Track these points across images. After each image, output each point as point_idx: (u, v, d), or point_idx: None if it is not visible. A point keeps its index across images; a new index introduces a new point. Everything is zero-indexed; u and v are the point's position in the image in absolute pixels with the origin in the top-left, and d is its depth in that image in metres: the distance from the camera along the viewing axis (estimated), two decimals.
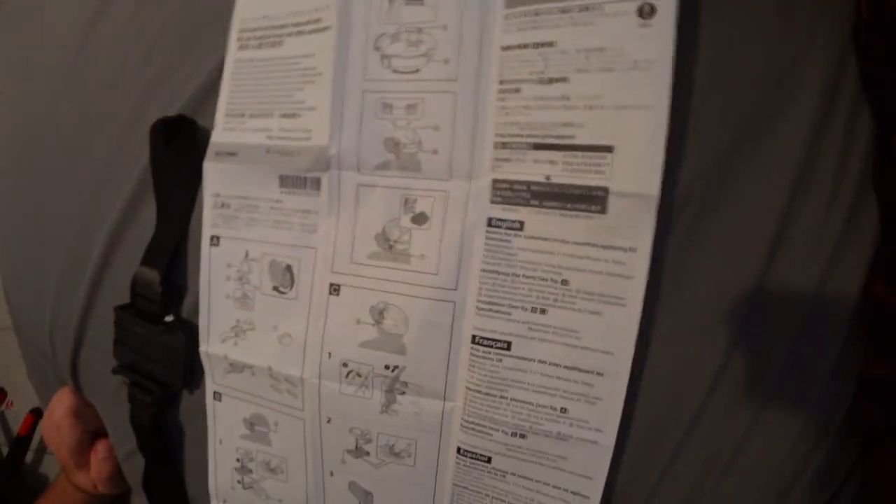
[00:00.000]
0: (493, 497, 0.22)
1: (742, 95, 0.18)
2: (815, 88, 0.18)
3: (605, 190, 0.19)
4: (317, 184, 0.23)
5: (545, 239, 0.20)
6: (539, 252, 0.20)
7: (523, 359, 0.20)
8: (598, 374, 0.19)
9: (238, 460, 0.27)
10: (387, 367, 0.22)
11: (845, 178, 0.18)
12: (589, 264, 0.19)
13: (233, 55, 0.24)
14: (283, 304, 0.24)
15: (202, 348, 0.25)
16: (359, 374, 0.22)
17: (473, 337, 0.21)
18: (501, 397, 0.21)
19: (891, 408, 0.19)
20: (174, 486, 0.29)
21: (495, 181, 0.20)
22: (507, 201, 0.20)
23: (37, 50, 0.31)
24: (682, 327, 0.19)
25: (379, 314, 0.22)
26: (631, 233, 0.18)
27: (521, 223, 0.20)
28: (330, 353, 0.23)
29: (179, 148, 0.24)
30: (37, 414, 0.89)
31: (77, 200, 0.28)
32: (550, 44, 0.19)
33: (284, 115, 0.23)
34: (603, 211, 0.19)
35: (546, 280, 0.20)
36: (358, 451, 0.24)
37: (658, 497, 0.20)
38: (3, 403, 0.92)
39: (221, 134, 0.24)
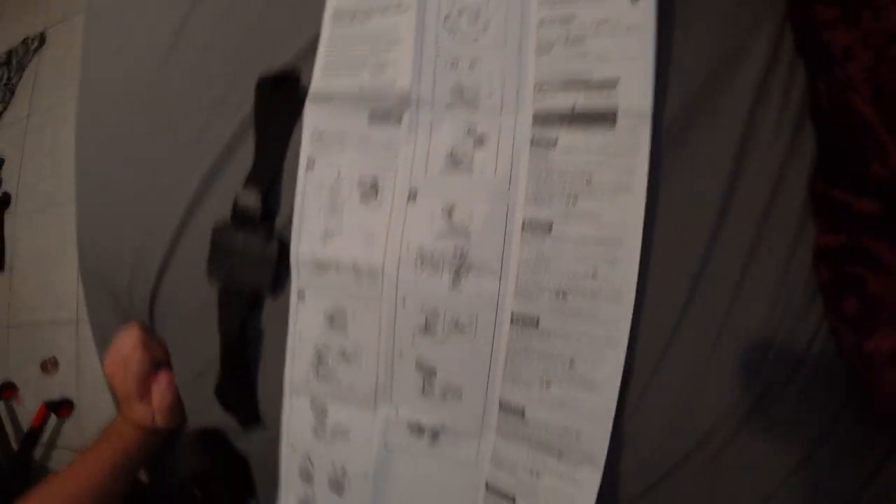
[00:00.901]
0: (540, 357, 0.27)
1: (706, 51, 0.26)
2: (763, 45, 0.26)
3: (615, 112, 0.26)
4: (399, 118, 0.29)
5: (573, 150, 0.27)
6: (569, 159, 0.27)
7: (562, 237, 0.26)
8: (617, 242, 0.26)
9: (315, 353, 0.30)
10: (455, 252, 0.28)
11: (788, 109, 0.26)
12: (605, 164, 0.26)
13: (328, 29, 0.31)
14: (367, 211, 0.29)
15: (293, 252, 0.30)
16: (432, 260, 0.28)
17: (523, 223, 0.27)
18: (546, 268, 0.27)
19: (835, 266, 0.25)
20: (247, 390, 0.32)
21: (536, 113, 0.27)
22: (545, 125, 0.27)
23: (135, 35, 0.37)
24: (674, 210, 0.26)
25: (448, 212, 0.28)
26: (633, 141, 0.26)
27: (556, 139, 0.27)
28: (408, 245, 0.28)
29: (281, 95, 0.31)
30: (50, 407, 0.84)
31: (174, 151, 0.33)
32: (572, 16, 0.27)
33: (374, 70, 0.30)
34: (613, 126, 0.26)
35: (575, 178, 0.27)
36: (427, 329, 0.28)
37: (680, 335, 0.26)
38: (13, 398, 0.86)
39: (319, 83, 0.30)
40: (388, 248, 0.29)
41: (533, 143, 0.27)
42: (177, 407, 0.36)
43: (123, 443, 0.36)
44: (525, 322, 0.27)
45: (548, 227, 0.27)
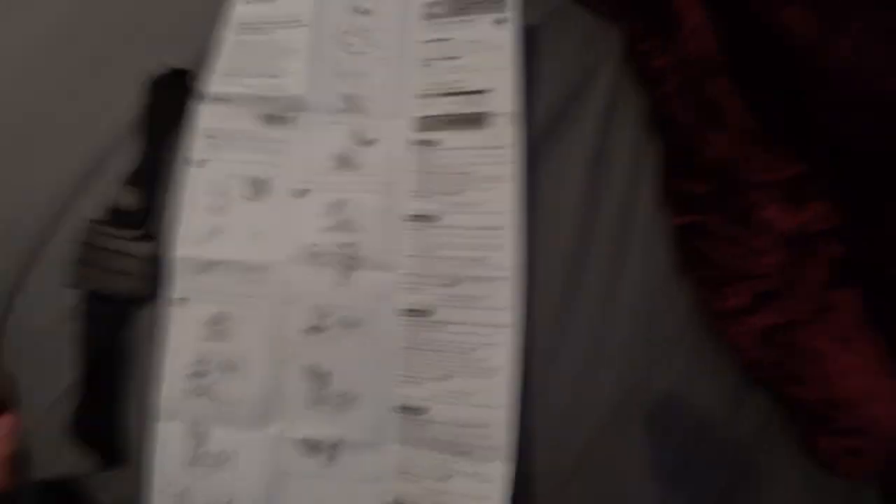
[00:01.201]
0: (436, 350, 0.27)
1: (566, 69, 0.31)
2: (611, 67, 0.31)
3: (487, 114, 0.29)
4: (293, 121, 0.30)
5: (454, 148, 0.29)
6: (451, 156, 0.29)
7: (448, 226, 0.27)
8: (499, 228, 0.27)
9: (193, 365, 0.27)
10: (343, 246, 0.27)
11: (634, 119, 0.31)
12: (481, 158, 0.28)
13: (232, 35, 0.31)
14: (256, 208, 0.28)
15: (176, 253, 0.28)
16: (321, 255, 0.27)
17: (411, 216, 0.28)
18: (434, 257, 0.27)
19: (685, 242, 0.29)
20: (110, 418, 0.28)
21: (419, 117, 0.30)
22: (428, 128, 0.29)
23: (24, 18, 0.34)
24: (547, 198, 0.29)
25: (338, 208, 0.28)
26: (503, 136, 0.28)
27: (439, 140, 0.29)
28: (296, 241, 0.27)
29: (173, 95, 0.30)
30: None
31: (50, 147, 0.30)
32: (449, 38, 0.30)
33: (272, 77, 0.30)
34: (485, 126, 0.29)
35: (456, 172, 0.28)
36: (317, 329, 0.27)
37: (570, 314, 0.27)
38: None
39: (217, 85, 0.30)
40: (277, 245, 0.27)
41: (417, 143, 0.29)
42: (16, 461, 0.29)
43: None
44: (419, 314, 0.27)
45: (434, 219, 0.28)
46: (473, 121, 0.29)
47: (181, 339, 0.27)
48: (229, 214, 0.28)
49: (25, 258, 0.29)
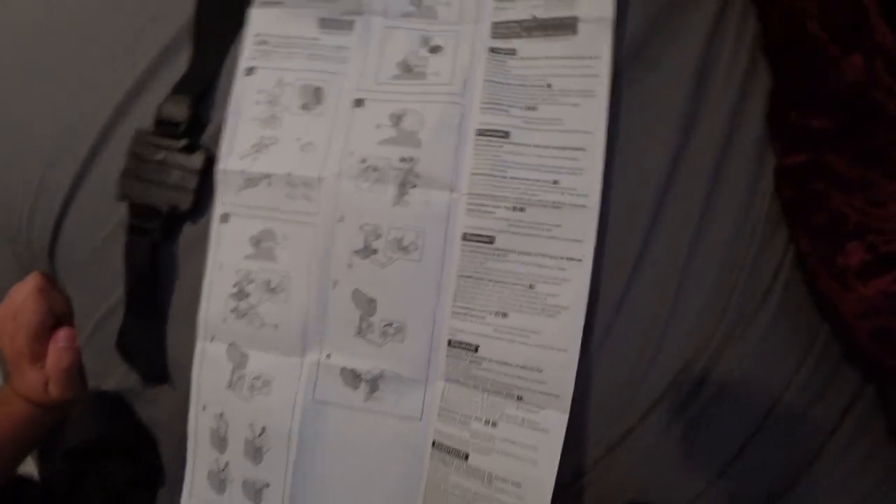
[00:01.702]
0: (495, 281, 0.23)
1: None
2: None
3: (575, 18, 0.24)
4: (351, 25, 0.26)
5: (533, 58, 0.24)
6: (528, 67, 0.24)
7: (520, 144, 0.23)
8: (581, 149, 0.23)
9: (236, 285, 0.25)
10: (402, 160, 0.24)
11: (743, 40, 0.25)
12: (567, 70, 0.24)
13: None
14: (309, 118, 0.25)
15: (220, 166, 0.26)
16: (376, 169, 0.24)
17: (478, 130, 0.24)
18: (503, 177, 0.23)
19: (800, 184, 0.23)
20: (155, 336, 0.26)
21: (495, 23, 0.25)
22: (504, 35, 0.25)
23: None
24: (638, 122, 0.24)
25: (398, 119, 0.24)
26: (595, 45, 0.24)
27: (515, 50, 0.25)
28: (351, 153, 0.24)
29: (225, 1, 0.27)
30: None
31: (98, 62, 0.29)
32: None
33: None
34: (574, 33, 0.24)
35: (535, 85, 0.24)
36: (366, 251, 0.24)
37: (648, 255, 0.22)
38: None
39: None
40: (329, 157, 0.25)
41: (492, 51, 0.25)
42: (76, 374, 0.29)
43: (10, 418, 0.29)
44: (479, 240, 0.23)
45: (505, 135, 0.24)
46: (558, 27, 0.24)
47: (224, 256, 0.25)
48: (279, 126, 0.26)
49: (79, 170, 0.28)
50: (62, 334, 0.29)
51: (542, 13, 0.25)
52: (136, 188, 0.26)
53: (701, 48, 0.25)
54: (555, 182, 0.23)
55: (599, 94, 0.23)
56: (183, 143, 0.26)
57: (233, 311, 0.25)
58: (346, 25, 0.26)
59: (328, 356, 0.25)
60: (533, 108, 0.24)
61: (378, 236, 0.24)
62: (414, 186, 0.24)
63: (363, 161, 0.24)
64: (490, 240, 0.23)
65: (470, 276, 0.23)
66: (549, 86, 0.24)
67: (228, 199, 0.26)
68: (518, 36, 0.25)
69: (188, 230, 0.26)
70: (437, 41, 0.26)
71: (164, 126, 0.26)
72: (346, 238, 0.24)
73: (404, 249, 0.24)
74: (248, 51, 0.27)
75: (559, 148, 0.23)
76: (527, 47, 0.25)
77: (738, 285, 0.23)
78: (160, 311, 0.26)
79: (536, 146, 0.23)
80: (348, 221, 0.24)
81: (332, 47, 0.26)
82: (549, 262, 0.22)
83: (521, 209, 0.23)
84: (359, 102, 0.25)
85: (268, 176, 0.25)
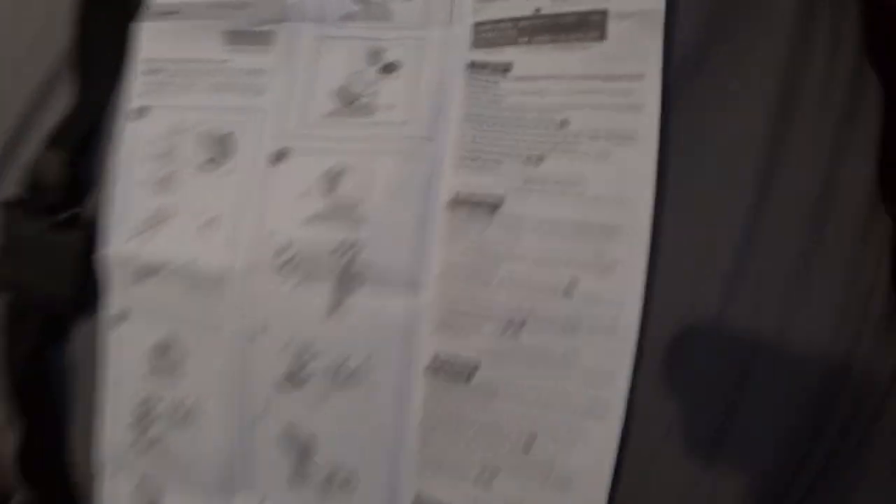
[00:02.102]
0: (478, 429, 0.15)
1: None
2: None
3: (603, 13, 0.15)
4: (269, 38, 0.18)
5: (536, 78, 0.15)
6: (530, 93, 0.15)
7: (517, 220, 0.15)
8: (613, 227, 0.14)
9: (137, 408, 0.19)
10: (339, 248, 0.16)
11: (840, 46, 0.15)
12: (590, 99, 0.15)
13: None
14: (214, 181, 0.18)
15: (106, 250, 0.19)
16: (300, 263, 0.16)
17: (454, 198, 0.15)
18: (490, 274, 0.15)
19: None
20: (53, 456, 0.20)
21: (477, 24, 0.16)
22: (490, 43, 0.16)
23: None
24: (702, 169, 0.14)
25: (333, 180, 0.16)
26: (636, 57, 0.14)
27: (509, 65, 0.16)
28: (267, 234, 0.16)
29: (110, 13, 0.20)
30: None
31: None
32: None
33: None
34: (602, 37, 0.15)
35: (541, 123, 0.15)
36: (296, 377, 0.16)
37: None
38: None
39: None
40: (239, 242, 0.17)
41: (473, 68, 0.16)
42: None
43: None
44: (453, 371, 0.15)
45: (493, 206, 0.15)
46: (576, 27, 0.15)
47: (122, 369, 0.19)
48: (176, 191, 0.18)
49: None
50: None
51: (550, 6, 0.15)
52: (9, 274, 0.20)
53: (785, 56, 0.15)
54: (570, 284, 0.14)
55: (644, 137, 0.14)
56: (54, 220, 0.19)
57: (135, 442, 0.19)
58: (264, 39, 0.18)
59: (262, 502, 0.18)
60: (538, 160, 0.15)
61: (311, 358, 0.16)
62: (357, 286, 0.16)
63: (285, 248, 0.16)
64: (470, 372, 0.15)
65: (441, 419, 0.15)
66: (563, 123, 0.15)
67: (121, 293, 0.19)
68: (513, 43, 0.16)
69: (79, 331, 0.20)
70: (391, 55, 0.17)
71: (37, 192, 0.19)
72: (267, 358, 0.17)
73: (348, 379, 0.16)
74: (136, 84, 0.19)
75: (578, 226, 0.14)
76: (527, 61, 0.15)
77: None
78: (59, 427, 0.20)
79: (543, 223, 0.15)
80: (270, 335, 0.17)
81: (246, 72, 0.18)
82: (556, 413, 0.14)
83: (518, 327, 0.15)
84: (279, 155, 0.17)
85: (164, 266, 0.18)
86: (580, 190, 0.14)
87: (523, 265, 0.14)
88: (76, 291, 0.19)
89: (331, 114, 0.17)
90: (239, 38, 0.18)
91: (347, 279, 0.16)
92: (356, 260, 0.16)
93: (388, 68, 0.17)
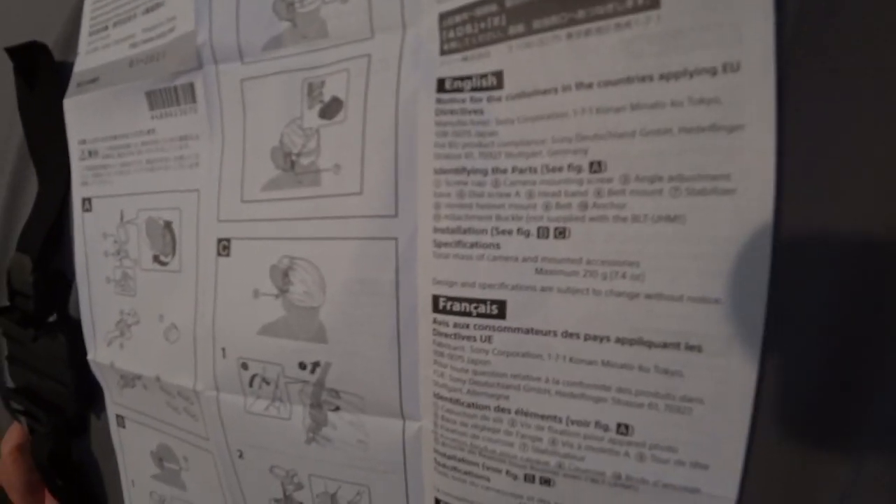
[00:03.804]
0: None
1: None
2: None
3: None
4: (191, 92, 0.13)
5: (545, 92, 0.09)
6: (539, 119, 0.09)
7: (532, 332, 0.09)
8: (690, 347, 0.08)
9: None
10: (303, 366, 0.12)
11: None
12: (642, 119, 0.08)
13: None
14: (166, 280, 0.14)
15: (90, 356, 0.16)
16: (266, 381, 0.12)
17: (435, 300, 0.10)
18: (498, 409, 0.10)
19: None
20: None
21: (444, 15, 0.10)
22: (467, 44, 0.10)
23: None
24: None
25: (283, 277, 0.12)
26: (723, 34, 0.07)
27: (499, 75, 0.09)
28: (224, 349, 0.13)
29: (44, 88, 0.16)
30: None
31: None
32: None
33: (147, 10, 0.14)
34: (654, 3, 0.08)
35: (560, 170, 0.09)
36: (289, 502, 0.13)
37: None
38: None
39: (84, 59, 0.15)
40: (199, 354, 0.13)
41: (444, 89, 0.10)
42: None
43: None
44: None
45: (496, 309, 0.10)
46: None
47: (133, 471, 0.17)
48: (134, 292, 0.15)
49: None
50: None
51: None
52: (23, 378, 0.19)
53: None
54: (621, 428, 0.09)
55: (748, 179, 0.08)
56: (36, 331, 0.17)
57: None
58: (185, 96, 0.13)
59: None
60: (559, 234, 0.09)
61: (298, 487, 0.13)
62: (335, 409, 0.12)
63: (244, 366, 0.13)
64: None
65: None
66: (595, 166, 0.09)
67: (115, 397, 0.17)
68: (503, 37, 0.09)
69: (96, 427, 0.18)
70: (331, 88, 0.11)
71: (18, 299, 0.17)
72: (254, 481, 0.14)
73: None
74: (76, 171, 0.16)
75: (630, 342, 0.09)
76: (527, 65, 0.09)
77: None
78: None
79: (570, 335, 0.09)
80: (250, 459, 0.13)
81: (175, 141, 0.14)
82: None
83: (546, 482, 0.09)
84: (223, 247, 0.13)
85: (139, 377, 0.15)
86: (632, 281, 0.08)
87: (545, 398, 0.09)
88: (78, 391, 0.17)
89: (270, 184, 0.12)
90: (160, 98, 0.14)
91: (320, 403, 0.12)
92: (325, 382, 0.12)
93: (329, 110, 0.11)
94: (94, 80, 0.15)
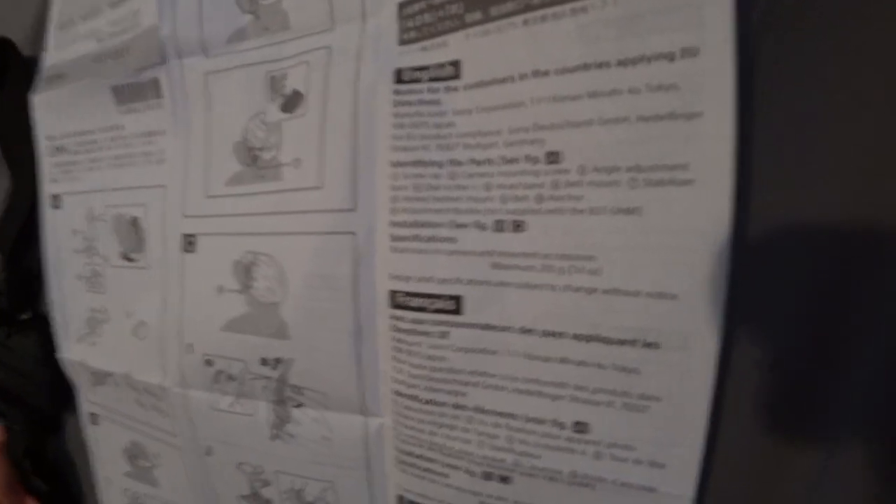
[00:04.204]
0: None
1: None
2: None
3: None
4: (156, 87, 0.13)
5: (502, 81, 0.09)
6: (496, 109, 0.09)
7: (488, 328, 0.09)
8: (648, 344, 0.08)
9: (131, 502, 0.17)
10: (265, 363, 0.11)
11: None
12: (599, 108, 0.08)
13: None
14: (134, 276, 0.14)
15: (62, 354, 0.16)
16: (231, 377, 0.12)
17: (392, 295, 0.10)
18: (456, 406, 0.09)
19: None
20: None
21: (403, 4, 0.10)
22: (426, 33, 0.09)
23: None
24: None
25: (246, 273, 0.11)
26: (681, 18, 0.07)
27: (456, 64, 0.09)
28: (190, 345, 0.12)
29: (12, 84, 0.16)
30: None
31: None
32: None
33: (113, 4, 0.14)
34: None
35: (517, 161, 0.09)
36: (256, 499, 0.13)
37: None
38: None
39: (51, 54, 0.15)
40: (167, 351, 0.13)
41: (402, 80, 0.10)
42: None
43: None
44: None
45: (452, 305, 0.09)
46: None
47: (107, 467, 0.17)
48: (104, 290, 0.14)
49: None
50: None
51: None
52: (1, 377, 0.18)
53: None
54: (577, 426, 0.08)
55: (705, 171, 0.07)
56: (8, 329, 0.16)
57: None
58: (151, 91, 0.13)
59: None
60: (516, 226, 0.09)
61: (264, 484, 0.13)
62: (298, 406, 0.11)
63: (208, 362, 0.12)
64: None
65: None
66: (551, 157, 0.08)
67: (88, 395, 0.16)
68: (461, 25, 0.09)
69: (70, 424, 0.18)
70: (292, 82, 0.11)
71: None
72: (224, 477, 0.13)
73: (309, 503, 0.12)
74: (45, 167, 0.15)
75: (588, 338, 0.08)
76: (484, 54, 0.09)
77: None
78: None
79: (527, 331, 0.09)
80: (218, 456, 0.13)
81: (142, 137, 0.13)
82: None
83: (503, 479, 0.09)
84: (189, 243, 0.13)
85: (110, 374, 0.15)
86: (588, 276, 0.08)
87: (501, 395, 0.09)
88: (51, 389, 0.17)
89: (234, 179, 0.12)
90: (126, 94, 0.13)
91: (283, 400, 0.11)
92: (287, 378, 0.11)
93: (290, 103, 0.11)
94: (61, 76, 0.15)
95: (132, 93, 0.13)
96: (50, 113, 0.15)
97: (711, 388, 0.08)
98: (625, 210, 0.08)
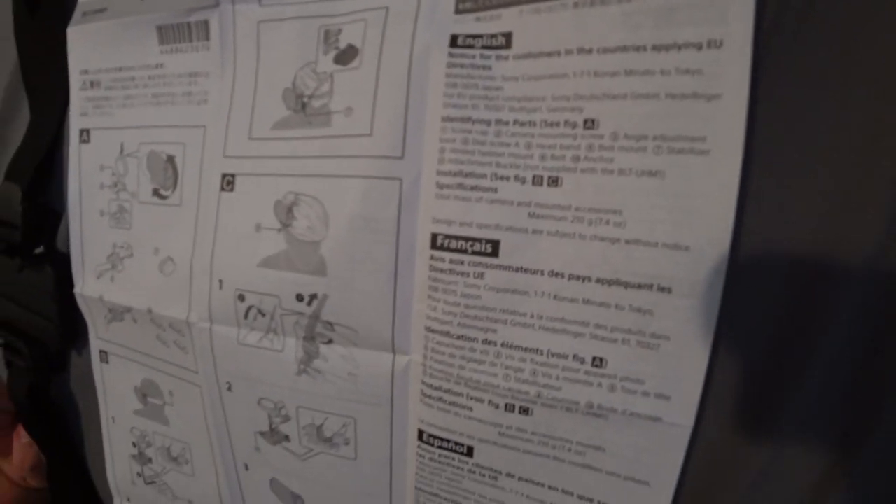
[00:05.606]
0: (479, 499, 0.11)
1: None
2: None
3: None
4: (205, 30, 0.13)
5: (549, 55, 0.09)
6: (541, 79, 0.09)
7: (521, 270, 0.09)
8: (662, 289, 0.08)
9: (134, 445, 0.16)
10: (300, 298, 0.11)
11: None
12: (633, 84, 0.08)
13: None
14: (165, 213, 0.13)
15: (77, 290, 0.15)
16: (262, 312, 0.12)
17: (434, 237, 0.10)
18: (486, 342, 0.10)
19: None
20: (77, 476, 0.19)
21: None
22: (481, 5, 0.10)
23: None
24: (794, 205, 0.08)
25: (287, 212, 0.12)
26: (709, 13, 0.08)
27: (508, 36, 0.10)
28: (221, 281, 0.12)
29: (45, 14, 0.15)
30: None
31: None
32: None
33: None
34: None
35: (557, 125, 0.09)
36: (274, 435, 0.13)
37: None
38: None
39: None
40: (195, 287, 0.13)
41: (456, 44, 0.10)
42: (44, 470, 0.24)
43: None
44: (446, 448, 0.11)
45: (489, 248, 0.10)
46: None
47: (114, 407, 0.16)
48: (130, 226, 0.14)
49: None
50: (23, 430, 0.23)
51: None
52: (5, 310, 0.17)
53: None
54: (596, 361, 0.09)
55: (722, 144, 0.08)
56: (23, 261, 0.16)
57: (139, 475, 0.17)
58: (199, 33, 0.13)
59: None
60: (552, 182, 0.09)
61: (286, 418, 0.13)
62: (328, 342, 0.12)
63: (241, 297, 0.12)
64: (466, 450, 0.11)
65: (435, 495, 0.12)
66: (589, 123, 0.09)
67: (101, 332, 0.16)
68: (513, 2, 0.09)
69: (77, 363, 0.17)
70: (347, 36, 0.11)
71: (3, 229, 0.16)
72: (241, 414, 0.13)
73: (328, 441, 0.12)
74: (76, 101, 0.15)
75: (609, 282, 0.09)
76: (535, 29, 0.09)
77: None
78: (73, 448, 0.19)
79: (556, 275, 0.09)
80: (239, 391, 0.13)
81: (183, 77, 0.13)
82: (590, 482, 0.10)
83: (524, 410, 0.10)
84: (227, 182, 0.12)
85: (129, 310, 0.14)
86: (614, 228, 0.09)
87: (528, 332, 0.09)
88: (62, 325, 0.16)
89: (280, 124, 0.12)
90: (172, 34, 0.13)
91: (315, 334, 0.12)
92: (321, 314, 0.11)
93: (344, 56, 0.11)
94: (101, 10, 0.14)
95: (178, 33, 0.13)
96: (86, 46, 0.14)
97: (714, 331, 0.08)
98: (649, 172, 0.09)
